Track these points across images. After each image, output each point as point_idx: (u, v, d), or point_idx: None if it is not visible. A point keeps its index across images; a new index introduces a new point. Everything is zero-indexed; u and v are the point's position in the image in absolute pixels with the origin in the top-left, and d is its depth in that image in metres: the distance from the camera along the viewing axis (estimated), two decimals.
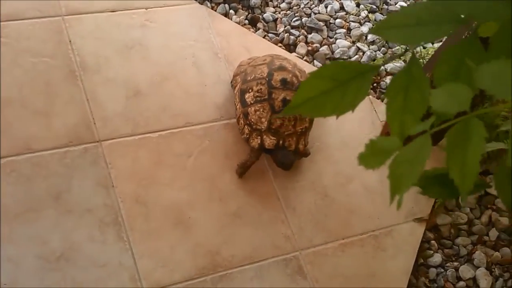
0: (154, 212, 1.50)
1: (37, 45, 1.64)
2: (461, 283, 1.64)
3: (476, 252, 1.69)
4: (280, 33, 1.92)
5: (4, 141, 1.48)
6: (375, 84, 1.93)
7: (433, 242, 1.68)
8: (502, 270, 1.68)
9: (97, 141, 1.55)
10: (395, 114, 0.66)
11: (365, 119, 1.81)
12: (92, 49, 1.68)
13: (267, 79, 1.57)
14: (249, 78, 1.60)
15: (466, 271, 1.66)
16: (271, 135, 1.55)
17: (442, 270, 1.65)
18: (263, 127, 1.56)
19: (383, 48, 1.98)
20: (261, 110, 1.56)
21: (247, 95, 1.58)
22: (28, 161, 1.47)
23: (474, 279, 1.66)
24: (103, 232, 1.44)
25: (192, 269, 1.46)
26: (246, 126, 1.58)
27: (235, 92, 1.65)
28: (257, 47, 1.83)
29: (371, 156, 0.60)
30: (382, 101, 1.86)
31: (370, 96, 1.87)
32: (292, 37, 1.92)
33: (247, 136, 1.58)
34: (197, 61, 1.76)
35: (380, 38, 1.94)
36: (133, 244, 1.45)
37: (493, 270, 1.67)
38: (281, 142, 1.56)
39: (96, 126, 1.57)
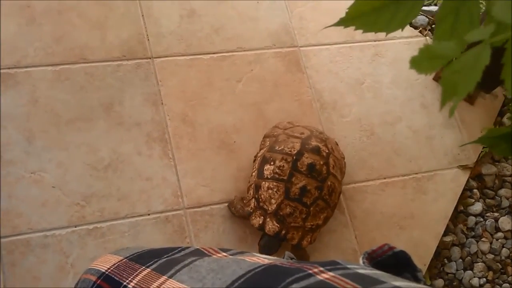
0: (200, 133, 1.52)
1: None
2: (499, 234, 1.63)
3: None
4: None
5: (60, 49, 1.50)
6: (433, 26, 1.86)
7: (475, 190, 1.66)
8: None
9: (150, 58, 1.55)
10: (443, 35, 0.66)
11: None
12: None
13: (294, 157, 1.37)
14: (277, 147, 1.41)
15: (506, 222, 1.64)
16: (275, 220, 1.36)
17: (482, 219, 1.64)
18: (270, 209, 1.36)
19: None
20: (275, 190, 1.36)
21: (266, 167, 1.39)
22: (82, 71, 1.49)
23: None
24: (150, 147, 1.47)
25: (232, 192, 1.48)
26: (253, 199, 1.40)
27: (258, 155, 1.47)
28: None
29: (425, 60, 0.58)
30: None
31: (428, 37, 1.81)
32: None
33: (251, 210, 1.39)
34: None
35: None
36: (177, 162, 1.47)
37: None
38: (283, 232, 1.36)
39: (149, 43, 1.57)
